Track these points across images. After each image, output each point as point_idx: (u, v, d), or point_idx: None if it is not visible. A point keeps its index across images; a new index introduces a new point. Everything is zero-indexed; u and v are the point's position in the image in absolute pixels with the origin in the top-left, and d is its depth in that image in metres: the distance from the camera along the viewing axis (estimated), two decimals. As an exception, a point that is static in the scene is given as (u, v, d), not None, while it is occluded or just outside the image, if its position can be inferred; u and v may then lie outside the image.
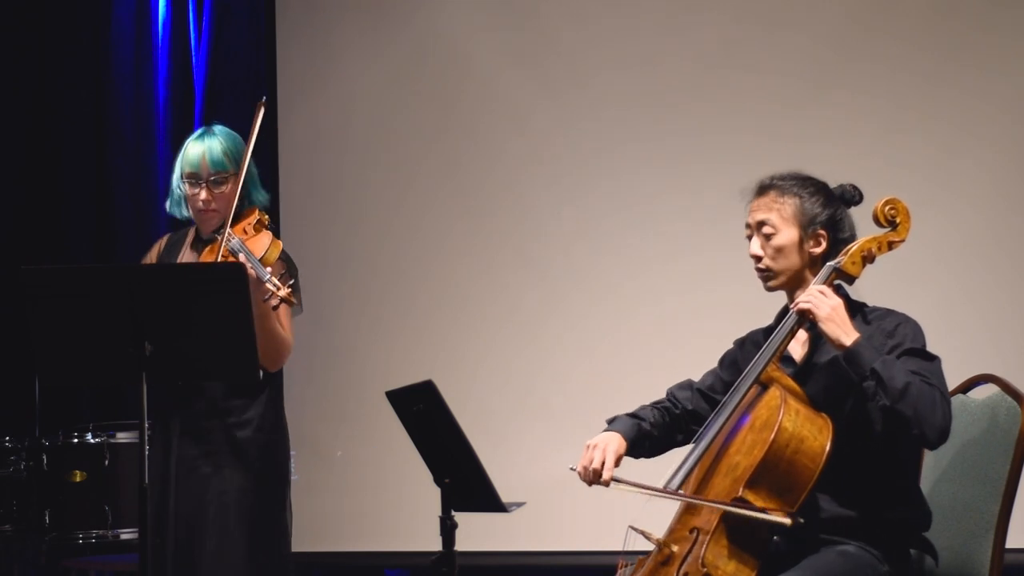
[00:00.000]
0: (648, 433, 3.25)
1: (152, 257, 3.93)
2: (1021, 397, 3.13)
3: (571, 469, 3.16)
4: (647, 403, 3.34)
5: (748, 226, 3.20)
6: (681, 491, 3.06)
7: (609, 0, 5.51)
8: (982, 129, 5.13)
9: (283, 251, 3.78)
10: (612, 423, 3.27)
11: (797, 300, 3.07)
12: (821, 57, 5.28)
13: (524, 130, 5.56)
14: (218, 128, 3.90)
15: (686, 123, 5.38)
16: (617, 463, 3.14)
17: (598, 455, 3.13)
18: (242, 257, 3.58)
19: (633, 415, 3.28)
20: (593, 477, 3.12)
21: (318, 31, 5.80)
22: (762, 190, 3.19)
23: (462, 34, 5.65)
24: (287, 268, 3.80)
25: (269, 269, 3.60)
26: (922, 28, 5.21)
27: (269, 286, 3.54)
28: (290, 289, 3.57)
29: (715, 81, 5.36)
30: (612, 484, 3.09)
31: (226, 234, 3.70)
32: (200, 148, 3.81)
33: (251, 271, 3.53)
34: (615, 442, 3.17)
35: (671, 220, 5.37)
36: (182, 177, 3.82)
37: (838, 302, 3.03)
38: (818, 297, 3.03)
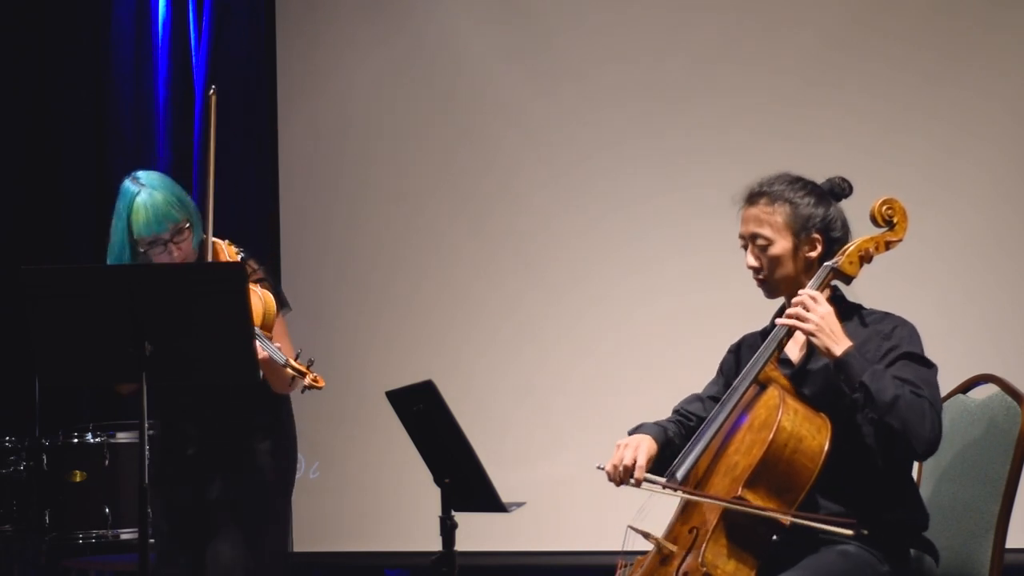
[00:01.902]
0: (671, 441, 3.21)
1: None
2: (1021, 397, 3.13)
3: (599, 468, 3.12)
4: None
5: (741, 236, 3.18)
6: (696, 490, 3.06)
7: (609, -3, 5.52)
8: (982, 129, 5.13)
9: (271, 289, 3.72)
10: (638, 429, 3.23)
11: (787, 312, 3.05)
12: (821, 56, 5.28)
13: (523, 128, 5.56)
14: (146, 177, 3.70)
15: (685, 121, 5.38)
16: (648, 465, 3.09)
17: (629, 453, 3.09)
18: (263, 355, 3.48)
19: (655, 424, 3.24)
20: (624, 475, 3.07)
21: (318, 31, 5.80)
22: (752, 199, 3.15)
23: (461, 33, 5.65)
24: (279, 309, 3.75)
25: (292, 358, 3.53)
26: (923, 28, 5.21)
27: (291, 372, 3.49)
28: (315, 375, 3.50)
29: (714, 79, 5.36)
30: (643, 484, 3.06)
31: None
32: (146, 210, 3.62)
33: (265, 353, 3.47)
34: (647, 443, 3.13)
35: (670, 219, 5.37)
36: (139, 243, 3.66)
37: (827, 310, 3.01)
38: (805, 310, 3.01)
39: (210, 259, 3.70)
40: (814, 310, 3.00)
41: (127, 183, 3.71)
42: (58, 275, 3.39)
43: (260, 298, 3.64)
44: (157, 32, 6.10)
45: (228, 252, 3.72)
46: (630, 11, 5.47)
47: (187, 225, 3.68)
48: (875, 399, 2.91)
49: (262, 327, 3.58)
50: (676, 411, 3.33)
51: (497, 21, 5.62)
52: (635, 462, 3.07)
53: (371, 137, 5.71)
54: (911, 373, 2.99)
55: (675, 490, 3.01)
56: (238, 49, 6.02)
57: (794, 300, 3.05)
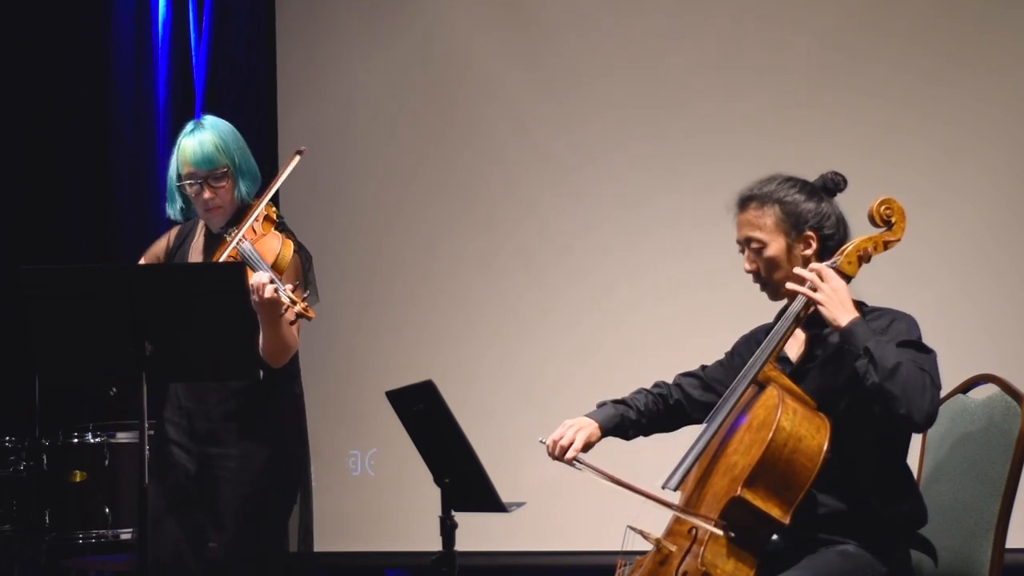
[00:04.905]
0: (634, 422, 3.31)
1: (160, 248, 3.88)
2: (1021, 397, 3.13)
3: (541, 441, 3.26)
4: (648, 385, 3.37)
5: (737, 242, 3.20)
6: (668, 491, 3.09)
7: (610, 3, 5.52)
8: (982, 129, 5.13)
9: (295, 246, 3.74)
10: (599, 408, 3.34)
11: (798, 278, 3.07)
12: (821, 57, 5.28)
13: (524, 131, 5.56)
14: (208, 121, 3.81)
15: (686, 124, 5.39)
16: (586, 448, 3.22)
17: (569, 433, 3.23)
18: (264, 277, 3.52)
19: (621, 401, 3.34)
20: (559, 453, 3.22)
21: (318, 31, 5.80)
22: (743, 204, 3.18)
23: (462, 34, 5.65)
24: (300, 265, 3.76)
25: (289, 287, 3.54)
26: (922, 28, 5.21)
27: (284, 299, 3.51)
28: (306, 303, 3.53)
29: (715, 82, 5.36)
30: (575, 464, 3.19)
31: (235, 236, 3.66)
32: (192, 145, 3.74)
33: (265, 278, 3.50)
34: (589, 428, 3.26)
35: (671, 221, 5.38)
36: (180, 177, 3.76)
37: (840, 284, 3.03)
38: (816, 280, 3.02)
39: (250, 219, 3.71)
40: (827, 280, 3.01)
41: (190, 122, 3.83)
42: (58, 275, 3.39)
43: (280, 241, 3.68)
44: (157, 32, 6.10)
45: (269, 211, 3.74)
46: (632, 16, 5.48)
47: (224, 171, 3.74)
48: (878, 364, 2.92)
49: (273, 266, 3.60)
50: (676, 381, 3.38)
51: (499, 23, 5.62)
52: (572, 443, 3.20)
53: (371, 137, 5.71)
54: (911, 355, 2.99)
55: (607, 478, 3.08)
56: (238, 49, 6.02)
57: (804, 272, 3.05)
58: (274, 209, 3.78)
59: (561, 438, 3.23)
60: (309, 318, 3.53)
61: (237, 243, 3.65)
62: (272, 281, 3.51)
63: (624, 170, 5.45)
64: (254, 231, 3.71)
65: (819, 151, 5.06)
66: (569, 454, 3.20)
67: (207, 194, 3.73)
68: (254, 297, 3.49)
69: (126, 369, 3.30)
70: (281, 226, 3.78)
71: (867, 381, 2.94)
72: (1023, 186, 5.12)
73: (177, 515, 3.74)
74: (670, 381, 3.39)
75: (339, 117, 5.74)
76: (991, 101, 5.13)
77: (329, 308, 5.63)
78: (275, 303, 3.51)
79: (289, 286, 3.55)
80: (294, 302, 3.51)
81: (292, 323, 3.61)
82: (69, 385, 5.29)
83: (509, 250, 5.56)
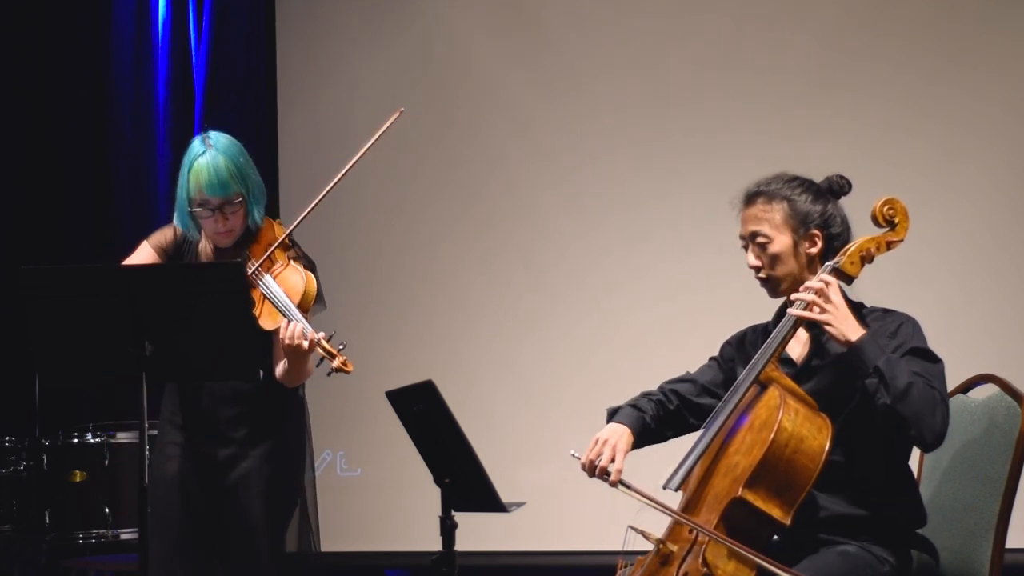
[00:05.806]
0: (648, 427, 3.24)
1: (167, 237, 3.80)
2: (1021, 397, 3.13)
3: (573, 455, 3.14)
4: (639, 394, 3.32)
5: (742, 237, 3.19)
6: (679, 504, 3.08)
7: (610, 3, 5.52)
8: (982, 129, 5.13)
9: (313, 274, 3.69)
10: (616, 414, 3.24)
11: (794, 298, 3.05)
12: (821, 57, 5.29)
13: (525, 132, 5.57)
14: (215, 139, 3.66)
15: (687, 125, 5.39)
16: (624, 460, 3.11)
17: (607, 452, 3.11)
18: (298, 329, 3.46)
19: (635, 406, 3.25)
20: (600, 474, 3.10)
21: (318, 31, 5.80)
22: (750, 199, 3.17)
23: (462, 34, 5.65)
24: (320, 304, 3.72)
25: (323, 335, 3.48)
26: (922, 28, 5.22)
27: (321, 352, 3.45)
28: (344, 357, 3.46)
29: (716, 83, 5.37)
30: (620, 487, 3.06)
31: (252, 268, 3.59)
32: (205, 171, 3.60)
33: (299, 329, 3.46)
34: (625, 439, 3.15)
35: (671, 222, 5.38)
36: (191, 202, 3.65)
37: (840, 298, 3.02)
38: (825, 300, 3.01)
39: (262, 238, 3.68)
40: (829, 298, 3.00)
41: (197, 140, 3.68)
42: (58, 275, 3.39)
43: (303, 277, 3.61)
44: (157, 32, 6.10)
45: (277, 230, 3.70)
46: (632, 16, 5.48)
47: (239, 199, 3.65)
48: (889, 385, 2.92)
49: (299, 306, 3.55)
50: (664, 389, 3.32)
51: (500, 24, 5.63)
52: (613, 461, 3.09)
53: (371, 137, 5.70)
54: (919, 367, 2.99)
55: (653, 503, 3.00)
56: (238, 49, 6.02)
57: (804, 286, 3.04)
58: (283, 227, 3.72)
59: (599, 457, 3.10)
60: (347, 372, 3.45)
61: (256, 276, 3.58)
62: (307, 333, 3.45)
63: (624, 170, 5.45)
64: (271, 261, 3.64)
65: (819, 151, 5.07)
66: (613, 476, 3.07)
67: (220, 224, 3.66)
68: (288, 344, 3.46)
69: (126, 369, 3.30)
70: (291, 248, 3.72)
71: (878, 400, 2.94)
72: (1023, 186, 5.13)
73: (179, 516, 3.74)
74: (655, 390, 3.34)
75: (339, 117, 5.74)
76: (991, 101, 5.14)
77: (329, 308, 5.64)
78: (297, 346, 3.47)
79: (323, 334, 3.49)
80: (332, 355, 3.45)
81: (328, 375, 3.53)
82: (69, 385, 5.29)
83: (509, 250, 5.56)
